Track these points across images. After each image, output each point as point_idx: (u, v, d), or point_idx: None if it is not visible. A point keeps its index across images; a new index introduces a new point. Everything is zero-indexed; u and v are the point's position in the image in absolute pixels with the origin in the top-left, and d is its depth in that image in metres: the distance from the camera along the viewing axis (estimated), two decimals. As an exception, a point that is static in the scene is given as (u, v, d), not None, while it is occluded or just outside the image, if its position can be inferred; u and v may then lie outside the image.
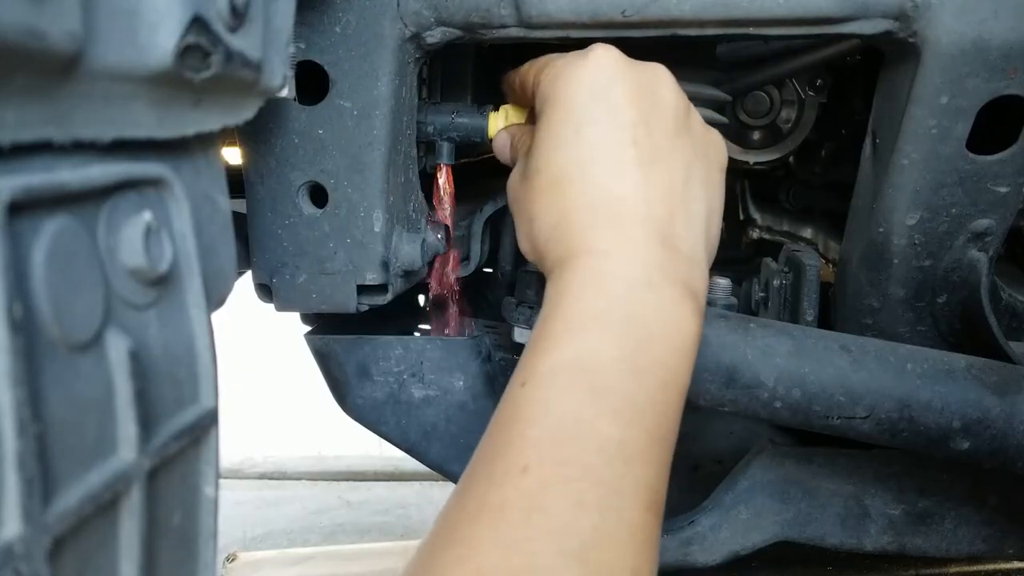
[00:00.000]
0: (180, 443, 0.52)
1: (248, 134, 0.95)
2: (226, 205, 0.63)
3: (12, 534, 0.37)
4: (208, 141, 0.60)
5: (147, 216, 0.49)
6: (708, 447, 1.60)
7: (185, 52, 0.48)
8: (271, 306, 1.02)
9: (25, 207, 0.40)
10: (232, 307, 0.73)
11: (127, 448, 0.46)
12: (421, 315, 1.61)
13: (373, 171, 0.96)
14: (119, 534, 0.46)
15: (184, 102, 0.53)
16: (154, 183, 0.51)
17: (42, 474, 0.39)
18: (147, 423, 0.48)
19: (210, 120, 0.57)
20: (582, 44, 0.84)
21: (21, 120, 0.40)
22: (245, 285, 1.00)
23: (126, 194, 0.49)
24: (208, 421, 0.55)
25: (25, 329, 0.38)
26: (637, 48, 1.02)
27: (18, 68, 0.39)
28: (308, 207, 0.98)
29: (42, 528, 0.39)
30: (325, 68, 0.93)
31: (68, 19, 0.40)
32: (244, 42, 0.55)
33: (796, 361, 0.94)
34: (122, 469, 0.45)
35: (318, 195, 0.98)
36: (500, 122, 1.05)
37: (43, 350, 0.40)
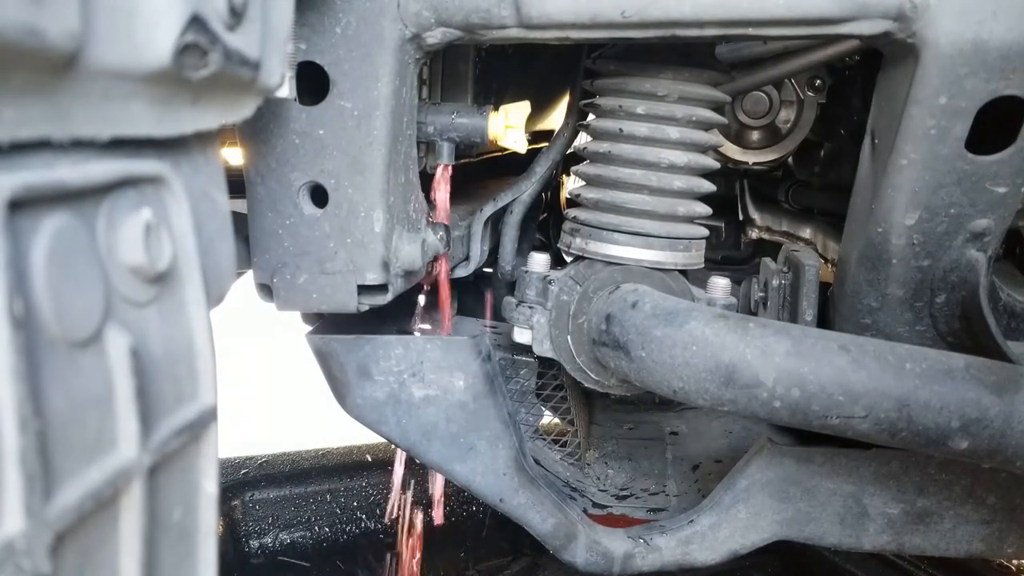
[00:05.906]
0: (180, 440, 0.52)
1: (249, 134, 0.95)
2: (225, 203, 0.63)
3: (14, 530, 0.37)
4: (207, 139, 0.60)
5: (146, 214, 0.49)
6: (707, 446, 1.61)
7: (183, 51, 0.48)
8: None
9: (25, 204, 0.40)
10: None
11: (128, 445, 0.46)
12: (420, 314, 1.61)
13: (373, 171, 0.96)
14: (120, 530, 0.46)
15: (182, 100, 0.53)
16: (153, 181, 0.52)
17: (43, 470, 0.39)
18: (147, 420, 0.48)
19: (208, 118, 0.57)
20: (582, 45, 0.84)
21: (20, 118, 0.41)
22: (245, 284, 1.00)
23: (125, 192, 0.49)
24: (208, 418, 0.55)
25: (26, 326, 0.38)
26: (638, 48, 1.03)
27: (17, 66, 0.39)
28: (309, 207, 0.98)
29: (43, 524, 0.39)
30: (325, 69, 0.93)
31: (67, 18, 0.41)
32: (242, 41, 0.55)
33: (795, 361, 0.94)
34: (123, 465, 0.46)
35: (318, 195, 0.98)
36: (500, 122, 1.05)
37: (44, 347, 0.40)
